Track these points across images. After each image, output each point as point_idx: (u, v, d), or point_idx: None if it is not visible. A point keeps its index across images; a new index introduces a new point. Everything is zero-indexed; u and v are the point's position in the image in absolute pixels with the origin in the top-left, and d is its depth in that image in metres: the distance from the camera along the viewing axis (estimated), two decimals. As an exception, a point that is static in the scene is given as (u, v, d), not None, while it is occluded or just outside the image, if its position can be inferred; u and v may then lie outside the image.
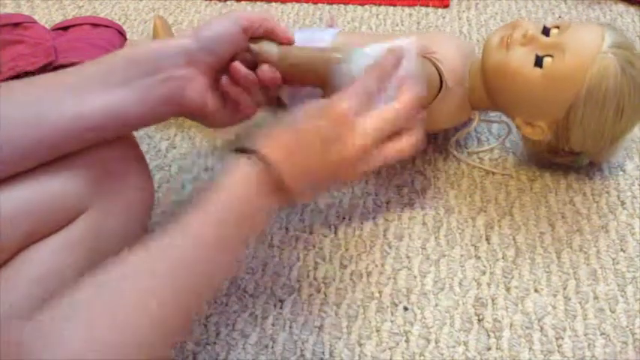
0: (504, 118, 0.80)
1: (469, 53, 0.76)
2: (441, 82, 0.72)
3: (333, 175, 0.58)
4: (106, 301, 0.42)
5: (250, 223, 0.52)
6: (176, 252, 0.47)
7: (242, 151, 0.54)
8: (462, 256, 0.69)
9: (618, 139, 0.73)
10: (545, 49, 0.69)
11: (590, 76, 0.67)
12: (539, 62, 0.69)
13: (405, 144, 0.60)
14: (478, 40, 1.05)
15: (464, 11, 1.14)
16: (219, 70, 0.62)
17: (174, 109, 0.60)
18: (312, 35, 0.77)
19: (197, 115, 0.62)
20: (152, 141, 0.85)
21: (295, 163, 0.54)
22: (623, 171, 0.79)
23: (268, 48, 0.64)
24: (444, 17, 1.12)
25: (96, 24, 1.01)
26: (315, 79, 0.66)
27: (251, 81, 0.63)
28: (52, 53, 0.93)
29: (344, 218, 0.74)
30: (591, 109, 0.69)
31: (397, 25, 1.10)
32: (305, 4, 1.16)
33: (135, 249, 0.45)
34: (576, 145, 0.72)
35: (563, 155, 0.75)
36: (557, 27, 0.71)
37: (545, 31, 0.71)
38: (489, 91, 0.73)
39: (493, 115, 0.81)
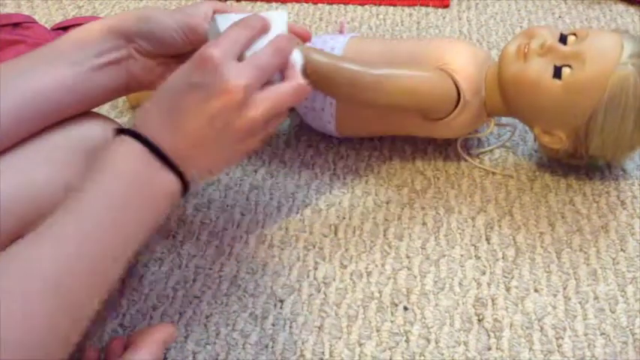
0: (507, 120, 0.81)
1: (485, 61, 0.75)
2: (459, 95, 0.71)
3: (226, 144, 0.53)
4: None
5: (140, 207, 0.48)
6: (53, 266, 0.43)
7: (118, 132, 0.50)
8: (462, 256, 0.69)
9: (637, 145, 0.73)
10: (564, 59, 0.69)
11: (610, 87, 0.67)
12: (557, 73, 0.69)
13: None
14: (478, 40, 1.05)
15: (464, 11, 1.14)
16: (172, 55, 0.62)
17: (125, 85, 0.62)
18: (323, 44, 0.77)
19: (151, 88, 0.62)
20: (152, 141, 0.85)
21: (177, 131, 0.50)
22: (623, 171, 0.79)
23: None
24: (444, 17, 1.12)
25: (96, 24, 1.01)
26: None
27: None
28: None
29: (344, 218, 0.74)
30: (611, 119, 0.69)
31: (397, 25, 1.10)
32: (305, 4, 1.16)
33: (20, 242, 0.43)
34: (595, 151, 0.72)
35: (579, 158, 0.75)
36: (575, 34, 0.70)
37: (563, 39, 0.70)
38: (507, 100, 0.73)
39: (504, 119, 0.81)
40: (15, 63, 0.56)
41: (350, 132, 0.81)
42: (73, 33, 0.59)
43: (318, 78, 0.65)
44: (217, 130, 0.51)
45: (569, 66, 0.69)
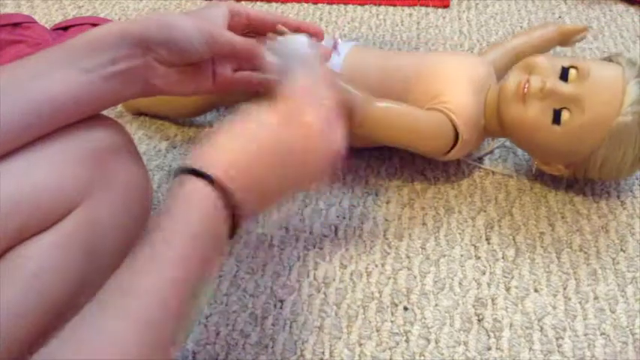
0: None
1: (484, 84, 0.73)
2: (457, 134, 0.70)
3: (292, 191, 0.54)
4: None
5: (204, 263, 0.47)
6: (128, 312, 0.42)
7: (192, 171, 0.47)
8: (462, 256, 0.69)
9: (634, 173, 0.75)
10: (563, 102, 0.68)
11: (609, 134, 0.67)
12: (557, 118, 0.68)
13: None
14: (478, 40, 1.05)
15: (464, 11, 1.14)
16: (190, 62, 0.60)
17: (140, 92, 0.60)
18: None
19: (166, 94, 0.62)
20: (152, 141, 0.85)
21: (254, 188, 0.49)
22: (623, 171, 0.79)
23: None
24: (444, 17, 1.12)
25: (96, 24, 1.01)
26: None
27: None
28: (52, 53, 0.93)
29: (344, 218, 0.74)
30: (610, 159, 0.69)
31: (397, 25, 1.10)
32: (305, 4, 1.16)
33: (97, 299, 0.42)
34: (593, 178, 0.74)
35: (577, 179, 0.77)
36: (576, 67, 0.69)
37: (564, 73, 0.69)
38: (506, 133, 0.73)
39: None
40: (25, 64, 0.54)
41: (351, 140, 0.79)
42: (89, 34, 0.56)
43: None
44: (291, 189, 0.53)
45: (569, 109, 0.68)
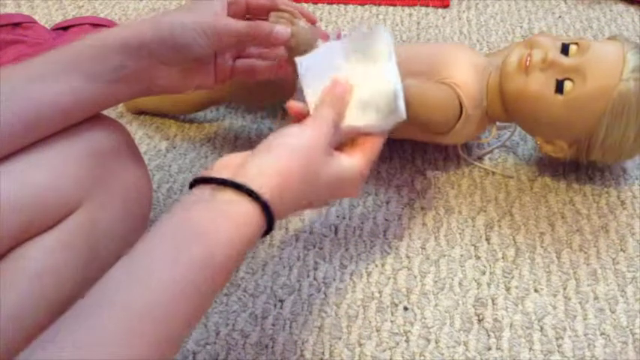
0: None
1: (484, 69, 0.74)
2: (461, 109, 0.71)
3: (312, 208, 0.56)
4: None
5: (231, 269, 0.47)
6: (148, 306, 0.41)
7: (237, 186, 0.47)
8: (461, 256, 0.69)
9: (637, 153, 0.74)
10: (565, 72, 0.68)
11: (611, 102, 0.67)
12: (559, 89, 0.68)
13: None
14: (478, 40, 1.05)
15: (464, 11, 1.14)
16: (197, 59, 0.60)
17: (144, 93, 0.60)
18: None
19: (169, 93, 0.62)
20: (152, 141, 0.85)
21: (289, 208, 0.50)
22: (623, 171, 0.79)
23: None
24: (444, 17, 1.12)
25: (96, 24, 1.01)
26: None
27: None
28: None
29: (344, 218, 0.74)
30: (613, 132, 0.69)
31: (397, 25, 1.10)
32: (305, 4, 1.16)
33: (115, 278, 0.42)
34: (596, 158, 0.73)
35: (580, 162, 0.76)
36: (577, 44, 0.69)
37: (564, 49, 0.69)
38: (508, 111, 0.73)
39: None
40: (28, 68, 0.54)
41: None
42: (90, 40, 0.56)
43: None
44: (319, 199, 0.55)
45: (571, 79, 0.68)
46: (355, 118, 0.57)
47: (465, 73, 0.72)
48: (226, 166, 0.50)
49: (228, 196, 0.46)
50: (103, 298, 0.41)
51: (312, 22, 0.66)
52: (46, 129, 0.54)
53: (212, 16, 0.58)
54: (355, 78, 0.58)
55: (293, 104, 0.58)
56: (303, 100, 0.58)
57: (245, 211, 0.46)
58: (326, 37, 0.65)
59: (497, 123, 0.78)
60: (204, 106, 0.86)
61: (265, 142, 0.51)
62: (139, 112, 0.89)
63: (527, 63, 0.69)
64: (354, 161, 0.55)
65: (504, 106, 0.73)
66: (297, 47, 0.62)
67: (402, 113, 0.58)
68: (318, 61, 0.59)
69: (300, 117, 0.57)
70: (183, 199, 0.48)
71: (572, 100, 0.68)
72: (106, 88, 0.55)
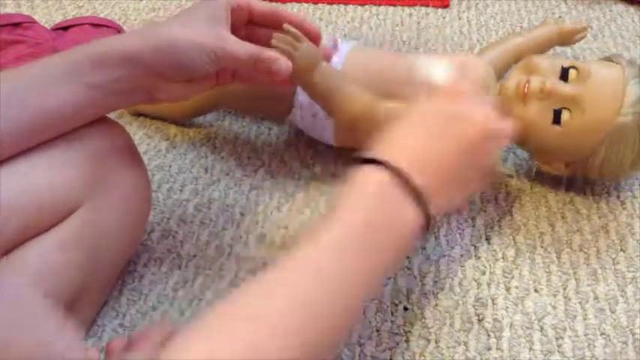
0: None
1: (482, 85, 0.73)
2: None
3: (468, 185, 0.54)
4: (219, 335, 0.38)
5: (384, 247, 0.46)
6: (293, 290, 0.41)
7: (366, 161, 0.48)
8: (461, 256, 0.69)
9: (635, 173, 0.75)
10: (564, 102, 0.68)
11: (609, 134, 0.67)
12: (557, 119, 0.68)
13: None
14: (478, 40, 1.05)
15: (464, 11, 1.14)
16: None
17: (143, 102, 0.59)
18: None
19: (168, 102, 0.61)
20: (152, 141, 0.85)
21: (434, 175, 0.48)
22: (623, 171, 0.79)
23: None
24: (444, 17, 1.12)
25: (96, 24, 1.01)
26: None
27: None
28: (52, 53, 0.93)
29: (344, 218, 0.74)
30: (610, 158, 0.69)
31: (397, 25, 1.10)
32: (305, 4, 1.16)
33: (249, 283, 0.41)
34: (594, 178, 0.74)
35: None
36: (576, 68, 0.69)
37: (564, 74, 0.69)
38: None
39: None
40: (29, 71, 0.54)
41: (349, 143, 0.79)
42: (92, 50, 0.55)
43: (320, 95, 0.65)
44: (466, 164, 0.52)
45: (569, 109, 0.68)
46: None
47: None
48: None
49: (359, 170, 0.48)
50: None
51: (316, 39, 0.63)
52: (45, 135, 0.54)
53: (216, 37, 0.55)
54: None
55: None
56: (298, 118, 0.60)
57: (365, 175, 0.48)
58: (328, 57, 0.65)
59: None
60: (205, 112, 0.85)
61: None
62: (138, 115, 0.89)
63: (526, 90, 0.68)
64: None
65: None
66: (299, 69, 0.60)
67: None
68: None
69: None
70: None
71: (569, 130, 0.68)
72: (106, 97, 0.55)
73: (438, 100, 0.53)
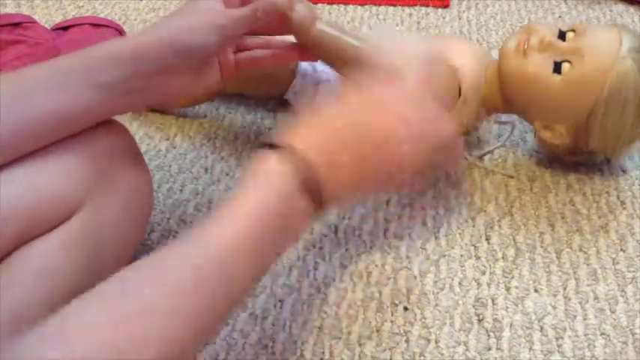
0: (506, 117, 0.81)
1: (483, 58, 0.76)
2: (459, 91, 0.72)
3: (382, 184, 0.52)
4: (106, 313, 0.40)
5: (280, 236, 0.47)
6: (190, 269, 0.43)
7: (270, 146, 0.48)
8: (461, 256, 0.69)
9: (636, 139, 0.74)
10: (563, 54, 0.70)
11: (609, 81, 0.68)
12: (557, 69, 0.69)
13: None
14: (478, 40, 1.05)
15: (464, 11, 1.14)
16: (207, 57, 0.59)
17: (153, 103, 0.60)
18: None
19: (177, 99, 0.62)
20: (152, 141, 0.85)
21: (335, 164, 0.48)
22: (624, 171, 0.79)
23: (306, 20, 0.63)
24: (444, 17, 1.12)
25: (96, 24, 1.01)
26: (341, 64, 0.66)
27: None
28: (52, 53, 0.93)
29: (344, 218, 0.74)
30: (611, 113, 0.69)
31: (397, 25, 1.10)
32: (305, 4, 1.16)
33: (145, 260, 0.43)
34: (595, 146, 0.73)
35: (579, 154, 0.75)
36: (573, 30, 0.71)
37: (561, 35, 0.71)
38: (506, 96, 0.74)
39: (503, 116, 0.81)
40: (36, 74, 0.53)
41: None
42: (103, 49, 0.55)
43: (324, 50, 0.66)
44: (381, 178, 0.51)
45: (569, 61, 0.69)
46: None
47: (464, 56, 0.73)
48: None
49: (262, 155, 0.48)
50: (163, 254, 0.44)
51: None
52: (52, 138, 0.54)
53: (214, 12, 0.57)
54: None
55: None
56: (300, 89, 0.60)
57: (270, 161, 0.48)
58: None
59: (496, 118, 0.78)
60: (202, 100, 0.86)
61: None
62: (138, 112, 0.89)
63: (525, 46, 0.71)
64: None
65: (502, 93, 0.74)
66: (298, 26, 0.62)
67: None
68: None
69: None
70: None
71: (569, 79, 0.69)
72: (115, 99, 0.55)
73: (374, 88, 0.52)
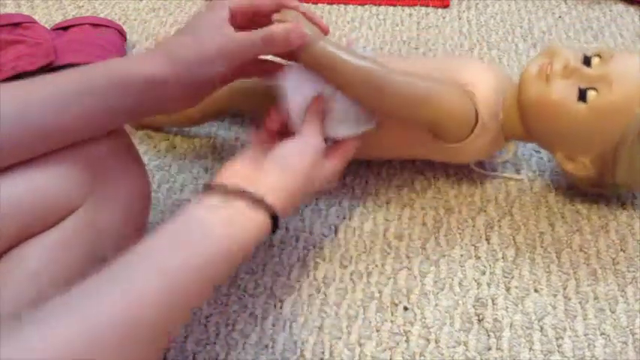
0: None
1: (504, 83, 0.71)
2: (477, 117, 0.67)
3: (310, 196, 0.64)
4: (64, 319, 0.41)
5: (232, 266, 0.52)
6: (154, 276, 0.45)
7: (240, 193, 0.54)
8: (461, 256, 0.69)
9: None
10: (589, 81, 0.65)
11: (639, 110, 0.63)
12: (582, 96, 0.64)
13: None
14: (478, 40, 1.05)
15: (464, 11, 1.14)
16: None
17: (155, 115, 0.62)
18: None
19: (178, 111, 0.64)
20: (152, 141, 0.85)
21: (289, 205, 0.57)
22: (623, 171, 0.79)
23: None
24: (444, 17, 1.12)
25: (96, 24, 1.01)
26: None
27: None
28: (52, 53, 0.93)
29: (344, 218, 0.74)
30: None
31: (397, 26, 1.10)
32: (305, 4, 1.15)
33: (111, 266, 0.45)
34: (621, 178, 0.68)
35: (604, 187, 0.72)
36: (599, 55, 0.66)
37: (586, 61, 0.66)
38: (527, 124, 0.69)
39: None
40: (44, 86, 0.53)
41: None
42: (111, 69, 0.55)
43: (331, 72, 0.63)
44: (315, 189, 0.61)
45: (595, 89, 0.64)
46: (335, 130, 0.65)
47: (483, 80, 0.69)
48: (234, 175, 0.56)
49: (245, 203, 0.53)
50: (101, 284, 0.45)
51: (324, 30, 0.65)
52: (54, 146, 0.54)
53: (222, 37, 0.57)
54: (332, 92, 0.64)
55: (273, 121, 0.65)
56: (286, 107, 0.62)
57: (261, 218, 0.53)
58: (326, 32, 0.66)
59: (515, 143, 0.75)
60: (207, 120, 0.84)
61: (274, 158, 0.58)
62: (142, 127, 0.87)
63: (549, 71, 0.66)
64: (335, 162, 0.64)
65: (523, 120, 0.69)
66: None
67: (373, 123, 0.67)
68: (302, 74, 0.64)
69: (277, 129, 0.65)
70: (197, 201, 0.53)
71: (596, 108, 0.64)
72: (121, 116, 0.57)
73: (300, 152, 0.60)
